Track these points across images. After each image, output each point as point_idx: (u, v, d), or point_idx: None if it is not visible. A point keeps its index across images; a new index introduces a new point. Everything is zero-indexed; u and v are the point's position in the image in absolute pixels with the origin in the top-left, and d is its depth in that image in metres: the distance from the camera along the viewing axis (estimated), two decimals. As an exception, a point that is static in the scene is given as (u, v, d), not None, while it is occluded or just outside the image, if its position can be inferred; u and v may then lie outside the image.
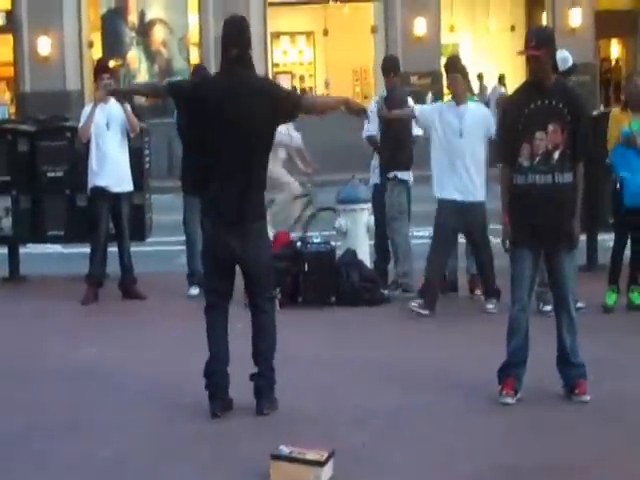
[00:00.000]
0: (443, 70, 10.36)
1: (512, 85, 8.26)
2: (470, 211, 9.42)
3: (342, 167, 17.59)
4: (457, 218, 9.41)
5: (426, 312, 9.41)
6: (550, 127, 6.67)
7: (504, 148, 6.86)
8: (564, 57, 9.05)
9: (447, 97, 10.85)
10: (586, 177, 6.87)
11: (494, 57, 29.67)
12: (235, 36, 6.58)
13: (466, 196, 9.40)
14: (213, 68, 25.55)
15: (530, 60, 6.79)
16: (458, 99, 9.50)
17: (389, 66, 10.74)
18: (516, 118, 6.73)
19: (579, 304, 8.02)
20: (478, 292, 10.16)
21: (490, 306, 9.49)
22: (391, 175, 10.22)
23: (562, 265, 6.80)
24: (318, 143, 25.10)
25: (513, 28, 29.78)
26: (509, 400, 6.69)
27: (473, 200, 9.42)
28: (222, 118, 6.41)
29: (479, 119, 9.52)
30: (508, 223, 6.82)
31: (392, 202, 10.27)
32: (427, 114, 9.69)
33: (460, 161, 9.37)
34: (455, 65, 9.86)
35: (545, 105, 6.68)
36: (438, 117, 9.49)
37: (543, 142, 6.66)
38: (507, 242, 6.84)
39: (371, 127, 10.48)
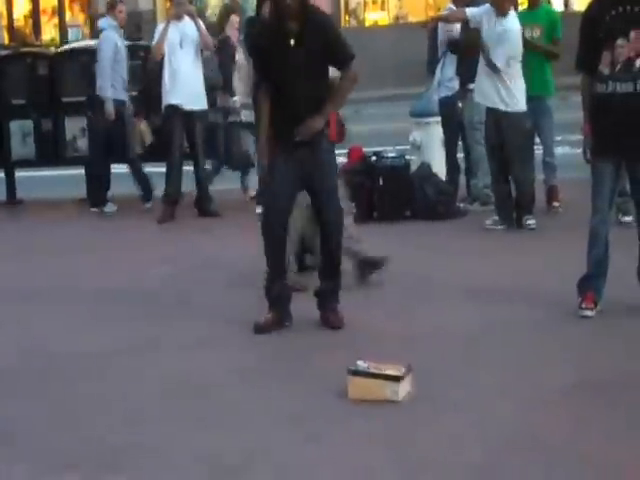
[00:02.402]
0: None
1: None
2: (505, 120, 9.28)
3: (415, 81, 17.41)
4: (497, 127, 9.30)
5: (502, 227, 9.32)
6: (632, 34, 6.45)
7: (584, 56, 6.66)
8: None
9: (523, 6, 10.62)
10: (669, 84, 6.67)
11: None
12: None
13: (499, 105, 9.28)
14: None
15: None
16: (498, 10, 9.26)
17: None
18: (596, 25, 6.53)
19: (661, 214, 7.85)
20: (556, 204, 10.03)
21: (531, 222, 9.34)
22: (471, 86, 10.01)
23: (644, 175, 6.64)
24: (391, 57, 24.89)
25: None
26: (589, 313, 6.60)
27: (506, 110, 9.28)
28: None
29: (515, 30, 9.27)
30: (589, 133, 6.67)
31: (472, 113, 10.11)
32: (477, 17, 9.50)
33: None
34: None
35: (627, 11, 6.46)
36: (485, 21, 9.36)
37: (625, 49, 6.46)
38: (588, 152, 6.70)
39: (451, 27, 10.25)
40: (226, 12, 10.81)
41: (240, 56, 10.93)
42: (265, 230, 6.64)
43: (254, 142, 10.50)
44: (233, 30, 10.80)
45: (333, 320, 6.63)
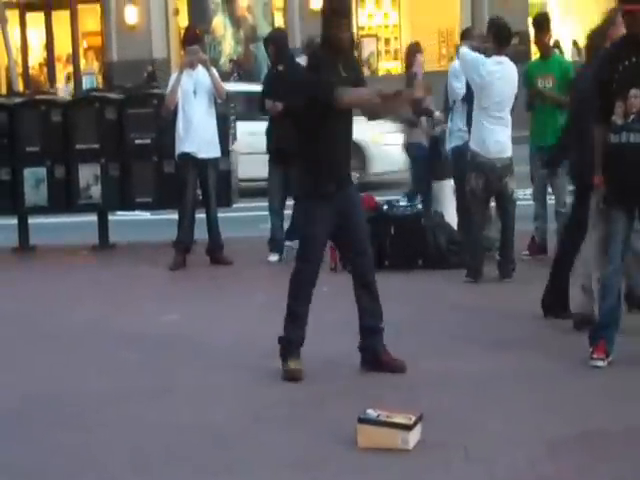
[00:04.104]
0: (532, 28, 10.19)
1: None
2: None
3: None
4: None
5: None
6: (645, 84, 6.49)
7: (597, 106, 6.68)
8: None
9: (535, 56, 10.68)
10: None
11: (584, 15, 29.10)
12: None
13: None
14: (297, 33, 25.55)
15: (625, 16, 6.61)
16: None
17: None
18: (609, 75, 6.56)
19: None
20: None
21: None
22: None
23: (657, 225, 6.64)
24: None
25: (604, -16, 29.14)
26: (600, 363, 6.56)
27: None
28: None
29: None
30: (601, 184, 6.67)
31: None
32: None
33: None
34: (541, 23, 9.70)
35: (640, 62, 6.50)
36: None
37: (638, 100, 6.49)
38: (601, 202, 6.70)
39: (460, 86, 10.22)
40: (413, 51, 11.08)
41: None
42: (298, 281, 6.65)
43: None
44: (419, 67, 10.99)
45: (397, 362, 6.66)
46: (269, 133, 10.66)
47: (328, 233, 6.70)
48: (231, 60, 19.73)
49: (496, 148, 9.13)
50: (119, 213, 12.66)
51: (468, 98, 9.65)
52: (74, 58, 30.50)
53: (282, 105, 10.24)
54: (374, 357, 6.67)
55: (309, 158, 6.65)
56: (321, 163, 6.57)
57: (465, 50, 9.42)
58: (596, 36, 7.68)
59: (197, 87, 10.54)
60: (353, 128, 6.71)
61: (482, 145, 9.13)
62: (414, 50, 11.12)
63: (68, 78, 27.79)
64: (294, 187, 8.12)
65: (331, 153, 6.57)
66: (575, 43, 28.50)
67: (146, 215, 13.46)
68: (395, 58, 30.56)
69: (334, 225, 6.63)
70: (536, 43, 10.34)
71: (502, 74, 9.16)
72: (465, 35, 10.61)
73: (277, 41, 10.83)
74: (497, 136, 9.14)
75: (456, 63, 10.32)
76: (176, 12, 29.23)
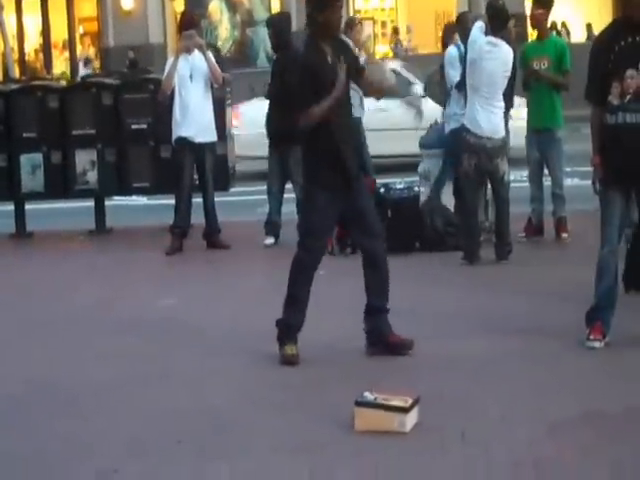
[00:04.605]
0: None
1: (599, 27, 8.23)
2: None
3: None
4: None
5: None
6: (642, 64, 6.46)
7: (593, 88, 6.65)
8: None
9: (532, 38, 10.63)
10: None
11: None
12: None
13: None
14: (295, 17, 25.48)
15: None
16: None
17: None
18: (605, 56, 6.53)
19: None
20: (564, 235, 9.99)
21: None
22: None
23: (653, 206, 6.63)
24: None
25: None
26: (597, 345, 6.55)
27: None
28: None
29: None
30: (598, 164, 6.65)
31: None
32: None
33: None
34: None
35: (636, 42, 6.47)
36: None
37: (634, 80, 6.46)
38: (597, 184, 6.68)
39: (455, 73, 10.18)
40: (452, 30, 10.97)
41: None
42: (300, 266, 6.60)
43: None
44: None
45: (404, 340, 6.64)
46: (269, 118, 10.64)
47: (332, 224, 6.68)
48: (210, 45, 19.61)
49: (487, 128, 9.12)
50: (116, 198, 12.64)
51: (462, 85, 9.62)
52: (70, 44, 30.47)
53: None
54: (380, 338, 6.66)
55: (310, 150, 6.64)
56: (321, 156, 6.55)
57: (477, 24, 9.36)
58: None
59: (194, 72, 10.52)
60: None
61: (473, 124, 9.15)
62: (453, 29, 10.99)
63: (86, 62, 27.75)
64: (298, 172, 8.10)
65: (330, 146, 6.51)
66: (564, 25, 28.44)
67: (143, 200, 13.47)
68: (392, 41, 30.51)
69: (340, 214, 6.61)
70: (531, 18, 10.25)
71: (495, 55, 9.14)
72: (460, 19, 10.57)
73: (276, 25, 10.74)
74: (489, 117, 9.12)
75: (452, 49, 10.30)
76: (172, -3, 29.18)
